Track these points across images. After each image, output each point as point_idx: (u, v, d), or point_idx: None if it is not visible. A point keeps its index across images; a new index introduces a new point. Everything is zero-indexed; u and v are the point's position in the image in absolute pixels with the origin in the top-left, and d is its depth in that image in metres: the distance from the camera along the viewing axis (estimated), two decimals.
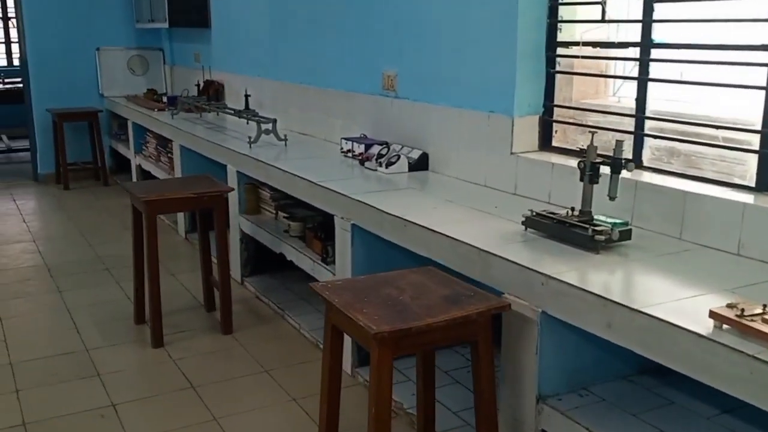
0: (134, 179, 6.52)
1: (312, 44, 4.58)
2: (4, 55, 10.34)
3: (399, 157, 3.51)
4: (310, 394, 2.84)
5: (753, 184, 2.33)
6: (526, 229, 2.44)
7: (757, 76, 2.25)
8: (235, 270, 4.28)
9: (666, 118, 2.61)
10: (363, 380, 2.99)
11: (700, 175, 2.49)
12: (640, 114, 2.65)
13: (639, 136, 2.66)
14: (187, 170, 5.10)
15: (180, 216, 5.23)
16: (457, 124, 3.33)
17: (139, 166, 6.37)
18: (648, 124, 2.65)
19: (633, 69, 2.87)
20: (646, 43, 2.60)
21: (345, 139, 3.95)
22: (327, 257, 3.32)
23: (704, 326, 1.65)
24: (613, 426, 1.99)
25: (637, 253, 2.23)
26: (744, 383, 1.53)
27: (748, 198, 2.26)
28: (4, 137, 9.06)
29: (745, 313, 1.60)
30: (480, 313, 1.96)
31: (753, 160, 2.33)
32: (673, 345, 1.68)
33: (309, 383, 2.93)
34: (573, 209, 2.37)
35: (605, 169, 2.32)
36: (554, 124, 3.06)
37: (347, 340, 2.40)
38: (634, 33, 2.67)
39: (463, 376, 2.96)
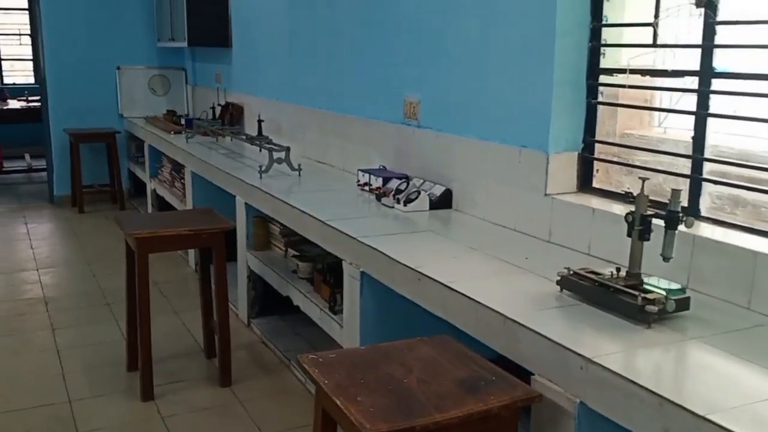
0: (149, 205, 6.25)
1: (331, 67, 4.25)
2: (31, 72, 10.24)
3: (419, 193, 3.15)
4: None
5: None
6: (561, 290, 2.06)
7: None
8: (242, 310, 3.94)
9: (729, 160, 2.21)
10: None
11: None
12: (697, 155, 2.26)
13: (696, 180, 2.26)
14: (199, 199, 4.81)
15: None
16: (484, 159, 2.96)
17: (154, 191, 6.11)
18: (707, 166, 2.26)
19: (680, 99, 2.48)
20: (707, 72, 2.21)
21: (362, 170, 3.60)
22: (335, 306, 2.96)
23: None
24: None
25: (697, 328, 1.83)
26: None
27: None
28: (27, 156, 8.91)
29: None
30: (503, 406, 1.58)
31: None
32: None
33: None
34: (618, 270, 1.98)
35: (658, 222, 1.93)
36: (595, 162, 2.67)
37: None
38: (691, 60, 2.28)
39: None
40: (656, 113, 2.71)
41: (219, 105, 5.59)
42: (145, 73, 7.15)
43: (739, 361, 1.66)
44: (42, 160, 8.19)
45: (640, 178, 1.93)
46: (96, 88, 6.98)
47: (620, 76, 2.54)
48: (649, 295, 1.82)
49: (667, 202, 1.91)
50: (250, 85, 5.59)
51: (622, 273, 1.97)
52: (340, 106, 4.18)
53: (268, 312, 3.94)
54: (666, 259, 1.89)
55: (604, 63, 2.60)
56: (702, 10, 2.15)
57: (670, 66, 2.40)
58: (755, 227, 2.11)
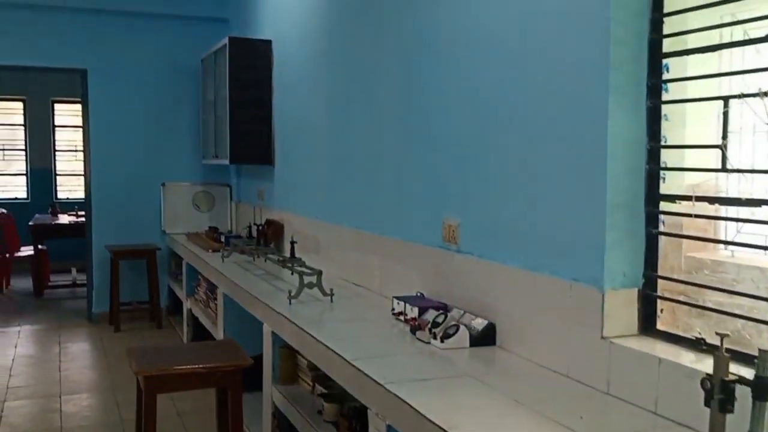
0: (184, 326, 6.02)
1: (370, 186, 4.04)
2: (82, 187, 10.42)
3: (458, 327, 2.81)
4: None
5: None
6: None
7: None
8: None
9: None
10: None
11: None
12: None
13: None
14: (230, 323, 4.57)
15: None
16: (532, 292, 2.63)
17: (189, 311, 5.89)
18: None
19: (743, 227, 2.14)
20: None
21: (397, 298, 3.29)
22: None
23: None
24: None
25: None
26: None
27: None
28: (74, 270, 8.90)
29: None
30: None
31: None
32: None
33: None
34: None
35: (742, 388, 1.56)
36: (659, 300, 2.31)
37: None
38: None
39: None
40: (723, 232, 2.36)
41: (255, 224, 5.42)
42: (190, 189, 7.12)
43: None
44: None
45: (717, 333, 1.58)
46: (140, 204, 6.95)
47: (684, 203, 2.22)
48: None
49: (750, 354, 1.54)
50: (291, 203, 5.44)
51: None
52: (377, 226, 3.94)
53: None
54: None
55: (665, 188, 2.29)
56: None
57: (742, 193, 2.08)
58: None
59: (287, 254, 4.58)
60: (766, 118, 1.94)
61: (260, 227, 5.48)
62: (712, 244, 2.35)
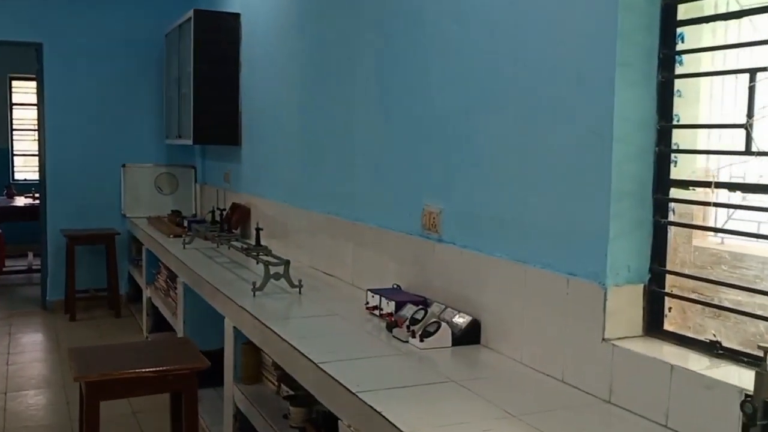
0: (144, 315, 5.69)
1: (343, 169, 3.75)
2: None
3: (439, 324, 2.54)
4: None
5: None
6: None
7: None
8: None
9: None
10: None
11: None
12: None
13: None
14: (191, 315, 4.26)
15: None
16: (521, 286, 2.37)
17: (149, 300, 5.56)
18: None
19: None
20: None
21: (372, 291, 3.01)
22: None
23: None
24: None
25: None
26: None
27: None
28: (30, 255, 8.48)
29: None
30: None
31: None
32: None
33: None
34: None
35: None
36: (666, 297, 2.06)
37: None
38: None
39: None
40: (713, 218, 2.10)
41: (219, 209, 5.09)
42: (152, 170, 6.76)
43: None
44: None
45: (760, 347, 1.32)
46: (99, 187, 6.58)
47: (700, 190, 1.96)
48: None
49: None
50: (258, 186, 5.12)
51: None
52: (351, 212, 3.65)
53: None
54: None
55: (676, 173, 2.04)
56: None
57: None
58: None
59: (252, 240, 4.27)
60: None
61: (224, 212, 5.16)
62: (699, 235, 2.10)
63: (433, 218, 2.91)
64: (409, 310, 2.74)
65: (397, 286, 3.10)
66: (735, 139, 1.87)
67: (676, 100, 2.04)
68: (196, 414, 2.50)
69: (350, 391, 2.06)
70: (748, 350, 1.80)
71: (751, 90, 1.79)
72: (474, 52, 2.63)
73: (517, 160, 2.40)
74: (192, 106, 5.48)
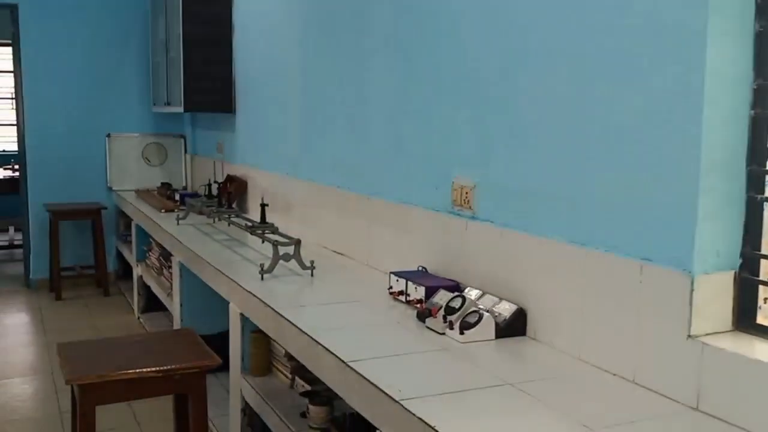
0: (135, 294, 5.36)
1: (356, 138, 3.42)
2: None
3: (480, 315, 2.24)
4: None
5: None
6: None
7: None
8: None
9: None
10: None
11: None
12: None
13: None
14: (189, 297, 3.94)
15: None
16: (580, 273, 2.07)
17: (140, 279, 5.23)
18: None
19: None
20: None
21: (395, 274, 2.70)
22: None
23: None
24: None
25: None
26: None
27: None
28: (11, 229, 8.09)
29: None
30: None
31: None
32: None
33: None
34: None
35: None
36: (761, 286, 1.77)
37: None
38: None
39: None
40: None
41: (215, 182, 4.74)
42: (139, 140, 6.38)
43: None
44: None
45: None
46: (83, 158, 6.21)
47: None
48: None
49: None
50: (256, 157, 4.78)
51: None
52: (365, 186, 3.32)
53: None
54: None
55: None
56: None
57: None
58: None
59: (252, 216, 3.94)
60: None
61: (220, 184, 4.81)
62: None
63: (466, 193, 2.59)
64: (442, 297, 2.43)
65: (423, 268, 2.79)
66: None
67: None
68: (206, 417, 2.19)
69: (392, 399, 1.76)
70: None
71: None
72: None
73: (574, 126, 2.08)
74: (181, 71, 5.09)
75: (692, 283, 1.73)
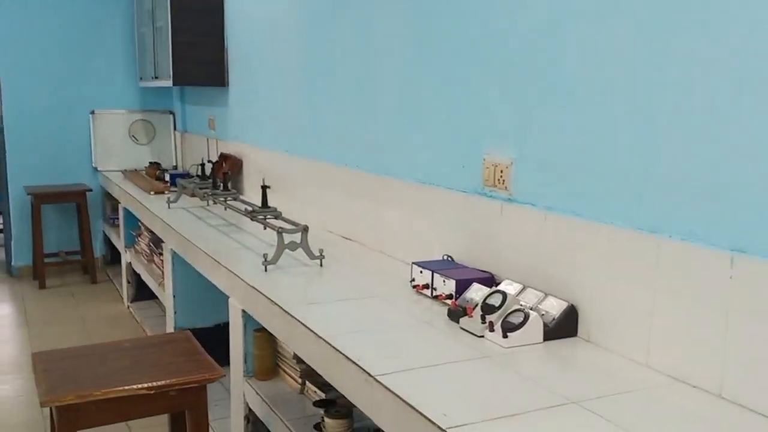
0: (124, 281, 5.01)
1: (366, 109, 3.07)
2: None
3: (526, 314, 1.92)
4: None
5: None
6: None
7: None
8: None
9: None
10: None
11: None
12: None
13: None
14: (182, 287, 3.61)
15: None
16: (651, 265, 1.74)
17: (129, 265, 4.88)
18: None
19: None
20: None
21: (419, 265, 2.38)
22: None
23: None
24: None
25: None
26: None
27: None
28: None
29: None
30: None
31: None
32: None
33: None
34: None
35: None
36: None
37: None
38: None
39: None
40: None
41: (209, 161, 4.38)
42: (125, 117, 5.99)
43: None
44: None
45: None
46: (65, 137, 5.82)
47: None
48: None
49: None
50: (253, 134, 4.42)
51: None
52: (377, 165, 2.99)
53: None
54: None
55: None
56: None
57: None
58: None
59: (249, 198, 3.59)
60: None
61: (214, 164, 4.46)
62: None
63: (500, 172, 2.26)
64: (477, 293, 2.11)
65: (449, 257, 2.47)
66: None
67: None
68: None
69: (437, 426, 1.44)
70: None
71: None
72: None
73: (641, 89, 1.75)
74: (170, 42, 4.71)
75: None
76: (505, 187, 2.24)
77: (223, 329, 3.66)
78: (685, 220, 1.66)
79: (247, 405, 2.62)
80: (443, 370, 1.74)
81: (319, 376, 2.19)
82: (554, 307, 1.97)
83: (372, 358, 1.77)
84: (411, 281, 2.39)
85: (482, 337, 1.94)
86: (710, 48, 1.58)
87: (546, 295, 2.02)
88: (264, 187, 2.99)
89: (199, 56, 4.72)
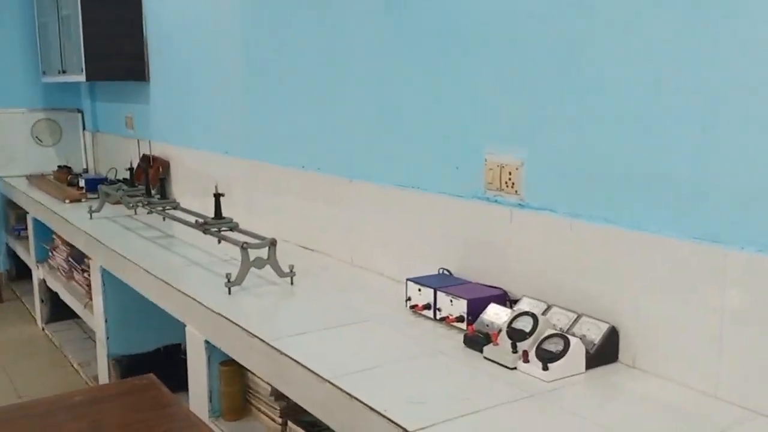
0: (36, 301, 4.47)
1: (325, 107, 2.74)
2: None
3: (566, 340, 1.66)
4: None
5: None
6: None
7: None
8: None
9: None
10: None
11: None
12: None
13: None
14: (115, 310, 3.16)
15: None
16: (708, 280, 1.51)
17: (43, 282, 4.35)
18: None
19: None
20: None
21: (416, 282, 2.08)
22: None
23: None
24: None
25: None
26: None
27: None
28: None
29: None
30: None
31: None
32: None
33: None
34: None
35: None
36: None
37: None
38: None
39: None
40: None
41: (140, 164, 3.92)
42: (27, 117, 5.38)
43: None
44: None
45: None
46: None
47: None
48: None
49: None
50: (182, 133, 3.99)
51: None
52: (344, 167, 2.67)
53: None
54: None
55: None
56: None
57: None
58: None
59: (175, 201, 3.17)
60: None
61: (136, 167, 4.00)
62: None
63: (509, 174, 1.99)
64: (495, 315, 1.84)
65: (446, 271, 2.18)
66: None
67: None
68: None
69: None
70: None
71: None
72: None
73: (695, 75, 1.51)
74: (81, 32, 4.20)
75: None
76: (516, 191, 1.98)
77: (165, 354, 3.27)
78: (744, 227, 1.44)
79: None
80: (488, 417, 1.45)
81: (305, 413, 1.86)
82: (592, 330, 1.72)
83: (398, 406, 1.47)
84: (407, 300, 2.09)
85: (514, 369, 1.67)
86: None
87: (578, 315, 1.77)
88: (217, 195, 2.61)
89: (116, 48, 4.23)
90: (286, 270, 2.38)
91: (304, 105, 2.86)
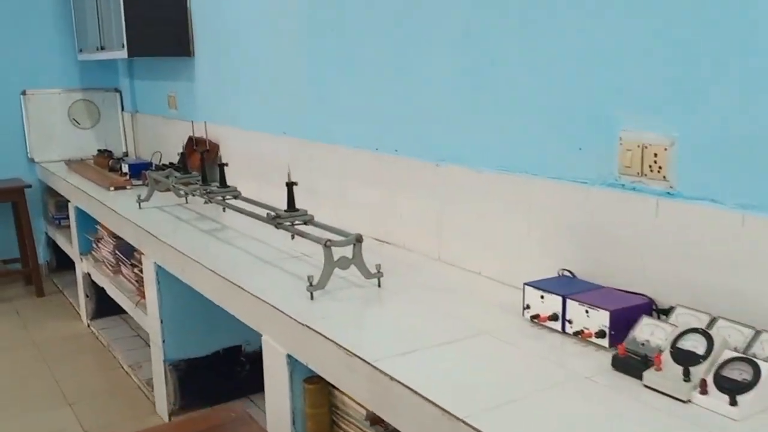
0: (81, 296, 4.22)
1: (405, 73, 2.40)
2: None
3: (757, 368, 1.32)
4: None
5: None
6: None
7: None
8: None
9: None
10: None
11: None
12: None
13: None
14: (171, 310, 2.88)
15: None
16: None
17: (87, 276, 4.09)
18: None
19: None
20: None
21: (536, 287, 1.75)
22: None
23: None
24: None
25: None
26: None
27: None
28: None
29: None
30: None
31: None
32: None
33: None
34: None
35: None
36: None
37: None
38: None
39: None
40: None
41: (195, 147, 3.62)
42: (64, 98, 5.11)
43: None
44: None
45: None
46: None
47: None
48: None
49: None
50: (229, 111, 3.69)
51: None
52: (427, 148, 2.33)
53: None
54: None
55: None
56: None
57: None
58: None
59: (236, 189, 2.86)
60: None
61: (194, 151, 3.70)
62: None
63: (654, 156, 1.65)
64: (650, 331, 1.51)
65: (569, 273, 1.85)
66: None
67: None
68: None
69: None
70: None
71: None
72: None
73: None
74: (121, 5, 3.90)
75: None
76: (663, 177, 1.64)
77: (221, 358, 3.02)
78: None
79: None
80: None
81: None
82: None
83: None
84: (524, 309, 1.77)
85: (688, 401, 1.35)
86: None
87: (757, 331, 1.43)
88: (290, 184, 2.28)
89: (158, 21, 3.92)
90: (373, 270, 2.07)
91: (376, 74, 2.53)
